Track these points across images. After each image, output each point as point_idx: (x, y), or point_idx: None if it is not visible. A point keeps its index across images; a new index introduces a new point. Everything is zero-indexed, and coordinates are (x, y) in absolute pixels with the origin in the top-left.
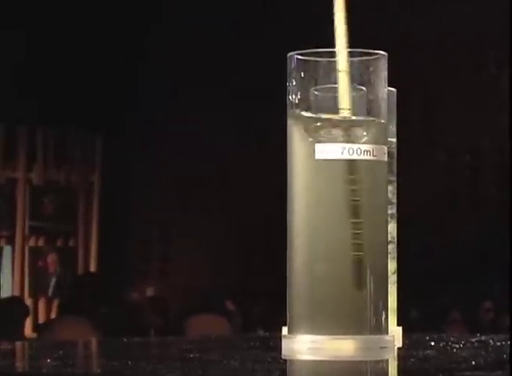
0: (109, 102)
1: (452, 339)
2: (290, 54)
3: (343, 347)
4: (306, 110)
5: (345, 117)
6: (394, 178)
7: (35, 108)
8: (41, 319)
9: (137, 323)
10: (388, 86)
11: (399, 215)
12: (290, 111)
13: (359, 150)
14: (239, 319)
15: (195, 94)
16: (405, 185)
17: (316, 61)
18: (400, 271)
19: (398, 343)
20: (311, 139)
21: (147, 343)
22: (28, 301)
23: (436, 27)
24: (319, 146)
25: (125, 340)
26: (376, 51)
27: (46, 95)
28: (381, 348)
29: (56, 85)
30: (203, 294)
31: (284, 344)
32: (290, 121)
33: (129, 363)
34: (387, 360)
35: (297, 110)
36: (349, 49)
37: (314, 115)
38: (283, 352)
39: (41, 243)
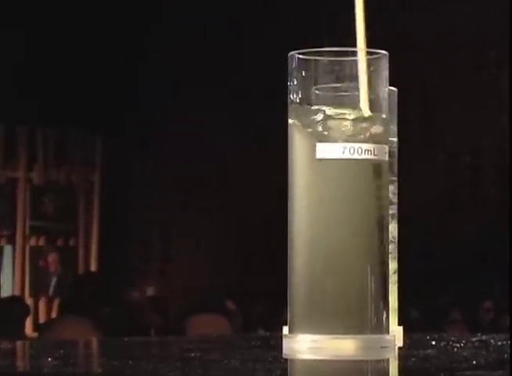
0: (109, 102)
1: (452, 339)
2: (290, 53)
3: (344, 346)
4: (307, 109)
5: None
6: (395, 178)
7: (35, 108)
8: (42, 319)
9: (137, 322)
10: (389, 86)
11: (400, 215)
12: (290, 110)
13: (360, 150)
14: (239, 319)
15: (195, 94)
16: (405, 185)
17: (317, 60)
18: (401, 271)
19: (399, 343)
20: (312, 138)
21: (148, 343)
22: (29, 301)
23: (436, 27)
24: (319, 146)
25: (126, 339)
26: (377, 50)
27: (46, 95)
28: (382, 347)
29: (56, 85)
30: (204, 294)
31: (285, 343)
32: (290, 121)
33: (130, 362)
34: (388, 360)
35: (298, 109)
36: (351, 49)
37: (315, 114)
38: (284, 351)
39: (41, 242)
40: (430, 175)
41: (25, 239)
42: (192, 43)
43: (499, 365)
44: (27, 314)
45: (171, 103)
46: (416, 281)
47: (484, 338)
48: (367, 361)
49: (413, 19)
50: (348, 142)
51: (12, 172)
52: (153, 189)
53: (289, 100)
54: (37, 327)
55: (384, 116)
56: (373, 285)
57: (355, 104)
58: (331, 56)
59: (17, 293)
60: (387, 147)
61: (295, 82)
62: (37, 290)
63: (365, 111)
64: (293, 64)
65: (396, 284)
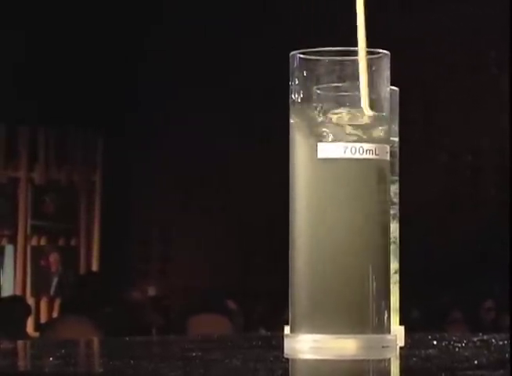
0: (109, 102)
1: (453, 338)
2: (292, 53)
3: (345, 346)
4: (308, 109)
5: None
6: (396, 178)
7: (36, 108)
8: (43, 319)
9: (138, 322)
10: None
11: (400, 215)
12: (292, 110)
13: (362, 149)
14: (240, 319)
15: (195, 94)
16: (406, 185)
17: (318, 60)
18: (402, 271)
19: (400, 342)
20: (313, 138)
21: (149, 342)
22: (30, 301)
23: (437, 27)
24: (321, 145)
25: (127, 339)
26: (378, 50)
27: (47, 95)
28: (383, 347)
29: (57, 85)
30: (204, 294)
31: (286, 343)
32: (292, 120)
33: (131, 362)
34: (390, 359)
35: (300, 109)
36: (352, 48)
37: (316, 114)
38: (285, 351)
39: (43, 242)
40: (430, 175)
41: (26, 239)
42: (192, 43)
43: (500, 365)
44: (28, 314)
45: (171, 103)
46: (417, 281)
47: (485, 337)
48: (368, 361)
49: (414, 19)
50: (350, 141)
51: (13, 172)
52: (153, 189)
53: (290, 100)
54: (38, 326)
55: (385, 115)
56: (374, 285)
57: (356, 104)
58: (332, 56)
59: (18, 293)
60: (388, 147)
61: (296, 82)
62: (39, 289)
63: (366, 110)
64: (294, 64)
65: (397, 284)
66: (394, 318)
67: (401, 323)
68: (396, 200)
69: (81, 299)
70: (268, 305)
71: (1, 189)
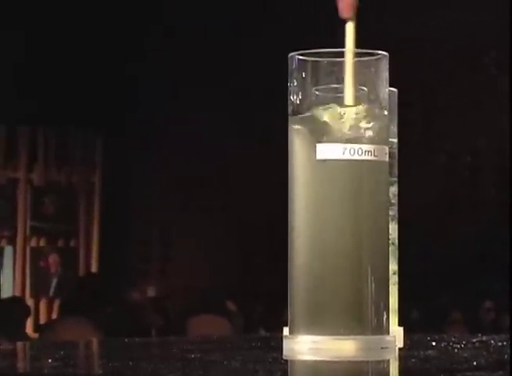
0: (109, 102)
1: (453, 339)
2: (290, 54)
3: (344, 347)
4: (307, 110)
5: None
6: (395, 179)
7: (36, 108)
8: (43, 320)
9: (138, 323)
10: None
11: (399, 216)
12: (290, 111)
13: (360, 151)
14: (240, 320)
15: (195, 94)
16: (405, 186)
17: (317, 61)
18: (401, 272)
19: (400, 343)
20: (312, 139)
21: (148, 343)
22: (29, 302)
23: (434, 29)
24: (320, 146)
25: (126, 340)
26: (377, 51)
27: (47, 95)
28: (382, 348)
29: (57, 85)
30: (204, 295)
31: (285, 344)
32: (291, 121)
33: (130, 363)
34: (389, 361)
35: (298, 110)
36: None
37: (315, 115)
38: (284, 352)
39: (42, 243)
40: (429, 175)
41: (25, 240)
42: (192, 43)
43: (499, 366)
44: (27, 315)
45: (171, 103)
46: (416, 282)
47: (484, 338)
48: (367, 362)
49: (413, 20)
50: (348, 142)
51: (12, 173)
52: (153, 189)
53: (289, 101)
54: (37, 327)
55: (384, 115)
56: (373, 286)
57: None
58: (331, 57)
59: (18, 294)
60: (387, 148)
61: (295, 83)
62: (38, 291)
63: (348, 101)
64: (293, 65)
65: (396, 285)
66: (394, 319)
67: (400, 324)
68: (395, 201)
69: (80, 300)
70: (268, 306)
71: (0, 190)
